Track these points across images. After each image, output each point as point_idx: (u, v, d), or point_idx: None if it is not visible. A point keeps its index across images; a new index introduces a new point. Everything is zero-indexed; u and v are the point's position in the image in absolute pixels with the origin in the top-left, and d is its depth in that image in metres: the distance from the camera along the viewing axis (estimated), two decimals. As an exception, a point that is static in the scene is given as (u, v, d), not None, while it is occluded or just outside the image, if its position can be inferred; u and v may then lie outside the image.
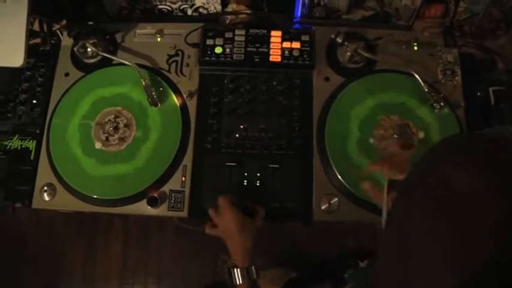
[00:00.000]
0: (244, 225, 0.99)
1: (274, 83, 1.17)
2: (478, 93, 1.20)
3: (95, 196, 1.11)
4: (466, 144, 0.49)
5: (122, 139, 1.14)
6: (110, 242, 2.04)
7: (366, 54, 1.16)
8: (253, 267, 0.96)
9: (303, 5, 1.23)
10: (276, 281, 1.22)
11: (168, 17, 1.30)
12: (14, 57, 1.04)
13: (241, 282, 0.95)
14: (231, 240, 0.99)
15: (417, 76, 1.11)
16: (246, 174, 1.11)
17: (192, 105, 1.17)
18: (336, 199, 1.08)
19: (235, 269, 0.96)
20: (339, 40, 1.16)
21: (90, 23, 1.29)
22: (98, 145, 1.14)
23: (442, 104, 1.12)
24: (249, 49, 1.17)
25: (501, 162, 0.43)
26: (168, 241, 2.00)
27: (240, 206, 1.02)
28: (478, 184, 0.42)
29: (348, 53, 1.17)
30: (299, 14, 1.26)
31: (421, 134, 1.12)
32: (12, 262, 2.05)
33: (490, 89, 1.18)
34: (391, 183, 0.68)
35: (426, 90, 1.11)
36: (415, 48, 1.22)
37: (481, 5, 1.24)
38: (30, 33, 1.11)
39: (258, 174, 1.10)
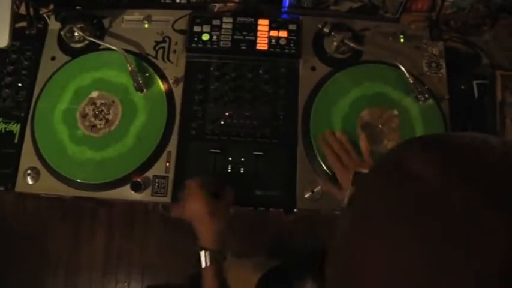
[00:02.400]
0: (215, 207, 0.96)
1: (261, 71, 1.17)
2: (462, 87, 1.21)
3: (79, 180, 1.10)
4: (439, 142, 0.45)
5: (106, 124, 1.14)
6: (94, 232, 2.03)
7: (352, 45, 1.16)
8: (223, 251, 0.94)
9: (291, -6, 1.24)
10: (257, 269, 1.22)
11: (156, 3, 1.30)
12: (-1, 38, 1.04)
13: (208, 264, 0.92)
14: (200, 223, 0.96)
15: (403, 68, 1.12)
16: (230, 160, 1.11)
17: (177, 91, 1.17)
18: (319, 187, 1.09)
19: (203, 252, 0.93)
20: (326, 30, 1.17)
21: (78, 8, 1.29)
22: (82, 129, 1.14)
23: (426, 95, 1.13)
24: (236, 37, 1.17)
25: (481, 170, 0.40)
26: (152, 231, 2.00)
27: (211, 187, 1.00)
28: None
29: (335, 43, 1.17)
30: (287, 3, 1.27)
31: (396, 112, 1.14)
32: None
33: (474, 83, 1.20)
34: (358, 177, 0.57)
35: (411, 81, 1.12)
36: (402, 40, 1.23)
37: (468, 0, 1.25)
38: (16, 17, 1.10)
39: (242, 161, 1.11)
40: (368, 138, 1.09)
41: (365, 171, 0.52)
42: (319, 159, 1.10)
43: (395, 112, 1.13)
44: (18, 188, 1.13)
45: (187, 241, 1.94)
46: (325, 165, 1.09)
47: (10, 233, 2.07)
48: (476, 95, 1.20)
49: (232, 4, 1.28)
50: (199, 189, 0.97)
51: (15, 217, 2.06)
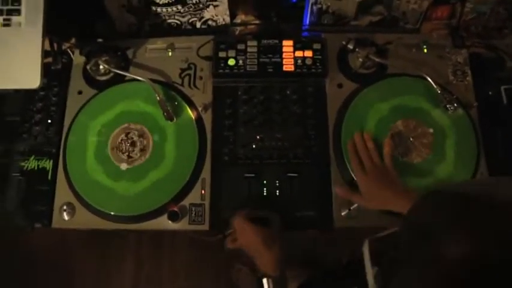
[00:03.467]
0: (267, 237, 0.99)
1: (288, 92, 1.18)
2: (490, 93, 1.21)
3: (115, 213, 1.11)
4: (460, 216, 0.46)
5: (139, 155, 1.14)
6: (123, 258, 2.03)
7: (377, 60, 1.16)
8: (284, 276, 0.98)
9: (312, 12, 1.24)
10: (293, 280, 1.23)
11: (177, 30, 1.31)
12: (31, 79, 1.05)
13: None
14: (259, 255, 1.00)
15: (429, 78, 1.12)
16: (264, 184, 1.11)
17: (207, 117, 1.17)
18: (356, 205, 1.08)
19: (266, 279, 0.97)
20: (350, 47, 1.17)
21: (100, 40, 1.30)
22: (114, 162, 1.14)
23: (455, 105, 1.12)
24: (262, 60, 1.17)
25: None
26: (181, 254, 1.99)
27: (256, 217, 1.03)
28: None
29: (360, 59, 1.17)
30: (307, 21, 1.27)
31: (432, 130, 1.14)
32: (23, 279, 2.04)
33: (502, 88, 1.19)
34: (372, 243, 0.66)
35: (439, 92, 1.12)
36: (425, 50, 1.23)
37: (488, 4, 1.25)
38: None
39: (277, 184, 1.11)
40: (391, 145, 1.10)
41: None
42: (353, 176, 1.10)
43: (431, 130, 1.13)
44: (55, 224, 1.13)
45: (216, 260, 1.95)
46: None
47: (37, 259, 2.07)
48: (504, 100, 1.19)
49: (253, 26, 1.29)
50: (246, 222, 1.00)
51: (42, 244, 2.06)
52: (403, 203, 0.94)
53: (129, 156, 1.14)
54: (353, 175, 1.09)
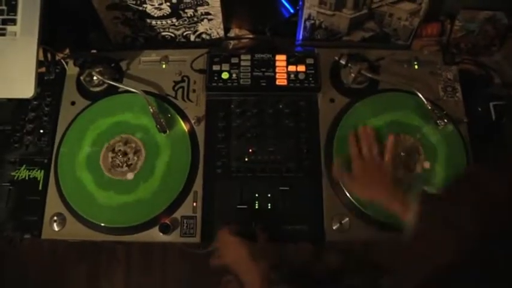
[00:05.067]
0: (254, 252, 0.97)
1: (281, 106, 1.19)
2: (479, 109, 1.23)
3: (106, 225, 1.10)
4: None
5: (131, 166, 1.14)
6: (112, 269, 2.01)
7: (369, 75, 1.18)
8: None
9: (305, 28, 1.26)
10: None
11: (171, 43, 1.32)
12: (25, 88, 1.05)
13: None
14: (245, 272, 0.96)
15: (420, 94, 1.14)
16: (257, 197, 1.11)
17: (200, 130, 1.18)
18: (347, 219, 1.09)
19: None
20: (343, 62, 1.19)
21: (93, 51, 1.30)
22: (106, 173, 1.14)
23: (445, 120, 1.14)
24: (255, 73, 1.18)
25: None
26: (171, 266, 1.98)
27: (243, 232, 1.02)
28: None
29: (352, 74, 1.19)
30: (301, 36, 1.29)
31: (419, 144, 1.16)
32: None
33: (491, 104, 1.21)
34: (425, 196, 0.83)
35: (429, 107, 1.14)
36: (416, 67, 1.25)
37: (476, 23, 1.28)
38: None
39: (269, 197, 1.11)
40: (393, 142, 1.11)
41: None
42: (345, 190, 1.10)
43: (417, 142, 1.15)
44: (45, 235, 1.12)
45: (207, 271, 1.93)
46: (351, 196, 1.09)
47: (26, 272, 2.05)
48: (493, 116, 1.21)
49: (246, 40, 1.30)
50: (233, 236, 0.99)
51: (31, 256, 2.04)
52: (392, 202, 0.98)
53: (121, 168, 1.14)
54: (352, 199, 1.10)
